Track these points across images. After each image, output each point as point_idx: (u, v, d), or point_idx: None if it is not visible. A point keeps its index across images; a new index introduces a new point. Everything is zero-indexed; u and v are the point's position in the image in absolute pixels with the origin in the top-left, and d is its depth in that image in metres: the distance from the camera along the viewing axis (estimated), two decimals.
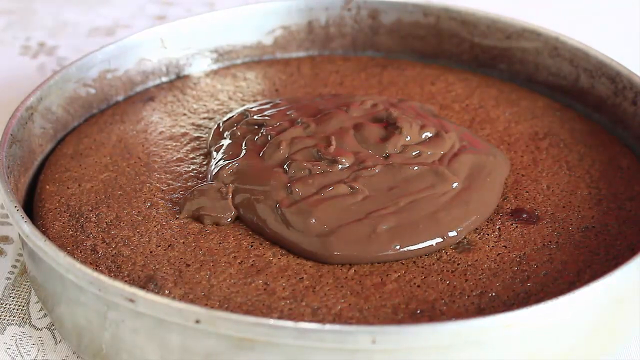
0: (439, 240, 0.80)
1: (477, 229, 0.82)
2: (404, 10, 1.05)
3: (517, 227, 0.83)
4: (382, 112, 0.90)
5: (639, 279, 0.75)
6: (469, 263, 0.79)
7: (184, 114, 0.97)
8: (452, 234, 0.81)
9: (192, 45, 1.03)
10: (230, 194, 0.84)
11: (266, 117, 0.91)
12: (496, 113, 0.96)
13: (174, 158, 0.91)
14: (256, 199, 0.83)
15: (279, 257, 0.80)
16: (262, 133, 0.89)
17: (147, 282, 0.77)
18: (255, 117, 0.92)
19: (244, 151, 0.88)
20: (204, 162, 0.90)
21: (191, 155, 0.91)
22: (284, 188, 0.83)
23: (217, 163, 0.88)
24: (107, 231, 0.82)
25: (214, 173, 0.86)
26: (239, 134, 0.90)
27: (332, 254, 0.79)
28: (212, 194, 0.84)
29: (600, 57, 0.95)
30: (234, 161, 0.86)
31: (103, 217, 0.84)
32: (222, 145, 0.90)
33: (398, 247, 0.79)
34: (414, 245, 0.80)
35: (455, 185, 0.84)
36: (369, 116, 0.90)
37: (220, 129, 0.92)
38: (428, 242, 0.80)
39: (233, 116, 0.93)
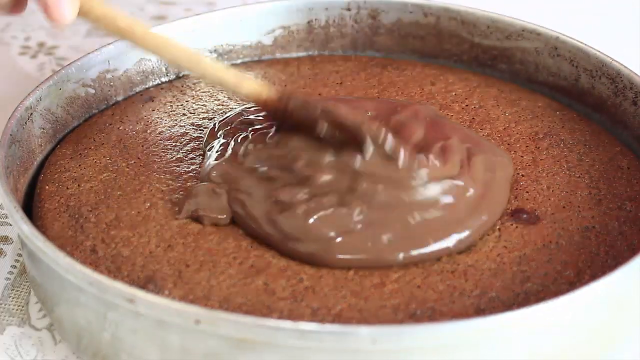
0: (446, 246, 0.80)
1: None
2: (404, 10, 1.05)
3: (517, 227, 0.83)
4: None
5: (639, 279, 0.75)
6: (469, 263, 0.79)
7: (184, 114, 0.97)
8: (460, 238, 0.80)
9: (192, 45, 1.03)
10: (225, 194, 0.83)
11: (260, 117, 0.91)
12: (496, 113, 0.96)
13: (174, 158, 0.91)
14: (244, 203, 0.82)
15: (279, 257, 0.80)
16: (246, 133, 0.88)
17: (147, 283, 0.77)
18: (250, 116, 0.91)
19: (229, 151, 0.87)
20: None
21: (191, 156, 0.91)
22: (270, 194, 0.82)
23: (208, 163, 0.87)
24: (106, 232, 0.82)
25: (204, 173, 0.86)
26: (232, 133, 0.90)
27: (334, 257, 0.78)
28: (210, 194, 0.83)
29: (600, 57, 0.95)
30: (219, 162, 0.86)
31: (102, 218, 0.84)
32: (215, 145, 0.89)
33: (402, 256, 0.79)
34: (419, 253, 0.79)
35: (471, 192, 0.83)
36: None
37: (216, 129, 0.92)
38: (434, 249, 0.79)
39: (229, 116, 0.93)
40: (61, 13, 0.78)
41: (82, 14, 0.82)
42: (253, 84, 0.87)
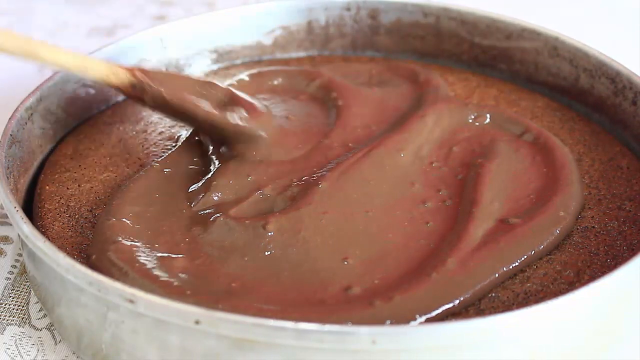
0: None
1: None
2: (403, 10, 1.05)
3: None
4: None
5: (639, 279, 0.75)
6: None
7: None
8: None
9: (192, 45, 1.04)
10: None
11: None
12: None
13: None
14: None
15: None
16: None
17: None
18: None
19: None
20: None
21: None
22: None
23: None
24: None
25: None
26: None
27: None
28: None
29: (600, 57, 0.95)
30: None
31: None
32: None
33: None
34: None
35: None
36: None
37: None
38: None
39: None
40: None
41: None
42: (100, 67, 0.79)
